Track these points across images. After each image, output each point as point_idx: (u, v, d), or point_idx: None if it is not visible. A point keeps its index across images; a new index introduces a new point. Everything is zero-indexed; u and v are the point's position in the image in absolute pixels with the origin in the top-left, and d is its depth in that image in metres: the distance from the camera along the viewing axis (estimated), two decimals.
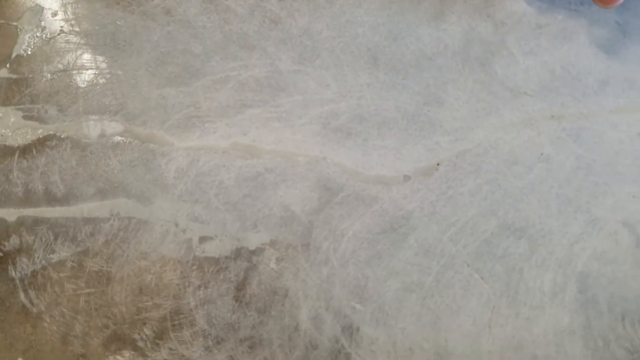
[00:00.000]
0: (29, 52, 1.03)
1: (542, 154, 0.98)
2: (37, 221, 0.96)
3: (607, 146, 0.98)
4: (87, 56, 1.03)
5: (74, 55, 1.03)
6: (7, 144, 0.99)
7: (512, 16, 1.04)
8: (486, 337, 0.92)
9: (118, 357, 0.92)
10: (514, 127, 0.99)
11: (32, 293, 0.93)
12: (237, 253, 0.95)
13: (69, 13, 1.05)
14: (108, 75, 1.02)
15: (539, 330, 0.92)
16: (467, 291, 0.93)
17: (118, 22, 1.04)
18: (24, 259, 0.94)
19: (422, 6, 1.05)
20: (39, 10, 1.05)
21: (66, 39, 1.04)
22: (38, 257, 0.94)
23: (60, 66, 1.02)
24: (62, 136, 0.99)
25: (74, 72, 1.02)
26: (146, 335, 0.92)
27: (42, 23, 1.04)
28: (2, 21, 1.04)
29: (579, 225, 0.95)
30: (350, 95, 1.00)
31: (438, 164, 0.98)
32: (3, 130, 0.99)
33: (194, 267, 0.94)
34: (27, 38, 1.03)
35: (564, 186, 0.97)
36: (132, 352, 0.92)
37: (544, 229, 0.95)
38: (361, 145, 0.99)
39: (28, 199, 0.97)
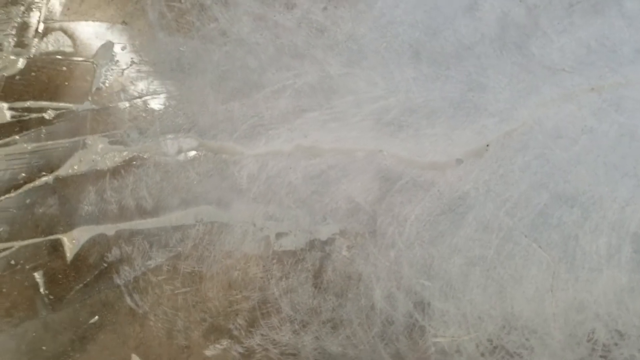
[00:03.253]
0: (107, 84, 1.15)
1: (585, 126, 1.03)
2: (132, 233, 1.08)
3: None
4: (157, 82, 1.14)
5: (146, 83, 1.14)
6: (99, 168, 1.11)
7: None
8: (549, 300, 0.98)
9: (217, 346, 1.03)
10: (555, 103, 1.05)
11: (136, 296, 1.06)
12: (311, 245, 1.05)
13: (136, 45, 1.16)
14: (178, 97, 1.13)
15: (599, 290, 0.98)
16: (527, 260, 1.00)
17: (181, 48, 1.15)
18: (126, 267, 1.06)
19: None
20: (110, 45, 1.17)
21: (137, 68, 1.15)
22: (138, 265, 1.06)
23: (135, 94, 1.14)
24: (145, 156, 1.11)
25: (147, 97, 1.14)
26: (240, 324, 1.03)
27: (115, 57, 1.16)
28: (80, 59, 1.16)
29: (628, 190, 1.00)
30: (398, 90, 1.08)
31: (487, 145, 1.05)
32: (94, 156, 1.11)
33: (274, 261, 1.05)
34: (103, 72, 1.15)
35: (610, 154, 1.02)
36: (229, 340, 1.03)
37: (595, 196, 1.01)
38: (413, 135, 1.07)
39: (122, 214, 1.09)
